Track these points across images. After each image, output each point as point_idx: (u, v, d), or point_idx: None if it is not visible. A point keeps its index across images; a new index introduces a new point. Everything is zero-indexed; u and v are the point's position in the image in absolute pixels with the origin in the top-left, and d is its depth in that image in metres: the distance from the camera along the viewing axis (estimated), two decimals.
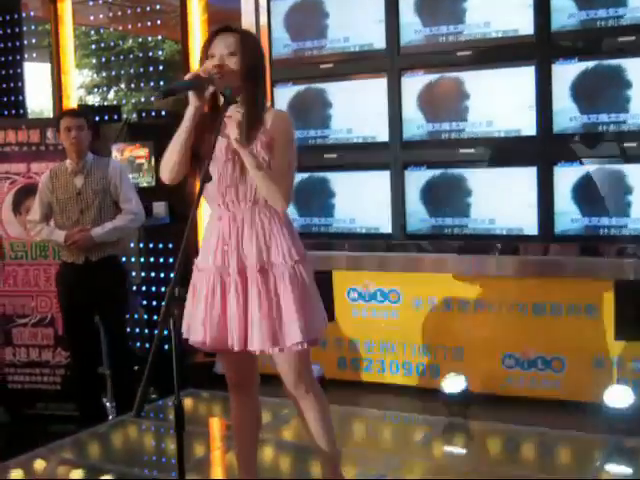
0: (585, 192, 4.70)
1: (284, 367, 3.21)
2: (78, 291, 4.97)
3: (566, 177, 4.74)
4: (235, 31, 3.08)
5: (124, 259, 5.39)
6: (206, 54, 3.03)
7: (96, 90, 15.18)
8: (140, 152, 6.11)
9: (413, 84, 5.13)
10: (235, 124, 2.92)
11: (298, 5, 5.47)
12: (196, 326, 3.12)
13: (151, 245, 6.17)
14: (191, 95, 2.92)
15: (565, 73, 4.69)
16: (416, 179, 5.16)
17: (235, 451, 3.47)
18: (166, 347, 5.02)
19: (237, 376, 3.32)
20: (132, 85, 12.94)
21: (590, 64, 4.64)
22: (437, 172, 5.10)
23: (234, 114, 2.91)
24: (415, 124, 5.14)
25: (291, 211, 5.11)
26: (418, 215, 5.17)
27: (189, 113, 2.95)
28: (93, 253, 4.92)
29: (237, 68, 2.99)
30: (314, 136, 5.41)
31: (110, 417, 5.24)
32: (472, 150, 4.98)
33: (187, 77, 2.91)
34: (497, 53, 4.88)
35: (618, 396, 4.48)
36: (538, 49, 4.77)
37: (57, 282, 5.23)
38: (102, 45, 13.72)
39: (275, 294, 3.06)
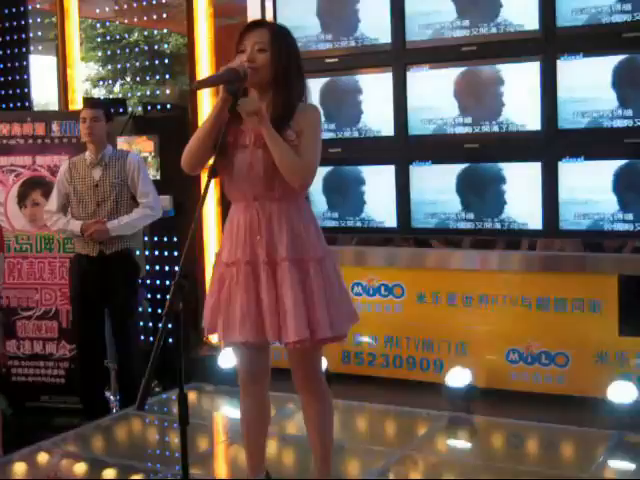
0: (590, 187, 4.69)
1: (300, 360, 3.21)
2: (90, 283, 4.99)
3: (571, 172, 4.73)
4: (266, 26, 3.09)
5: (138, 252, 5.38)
6: (238, 48, 3.04)
7: (102, 83, 15.17)
8: (145, 145, 6.11)
9: (418, 79, 5.13)
10: (252, 110, 2.93)
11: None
12: (234, 324, 3.08)
13: (156, 238, 6.17)
14: (222, 87, 2.94)
15: (570, 69, 4.69)
16: (421, 174, 5.15)
17: (244, 445, 3.44)
18: (170, 340, 5.07)
19: (253, 369, 3.29)
20: (138, 78, 12.93)
21: (595, 60, 4.63)
22: (442, 167, 5.09)
23: (245, 105, 2.93)
24: (420, 119, 5.13)
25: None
26: (423, 210, 5.17)
27: (216, 104, 2.98)
28: (107, 246, 4.94)
29: (267, 64, 3.01)
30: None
31: (114, 410, 5.26)
32: (476, 145, 4.97)
33: (221, 70, 2.92)
34: (502, 48, 4.87)
35: (622, 391, 4.48)
36: (544, 45, 4.76)
37: (70, 273, 5.25)
38: (108, 38, 13.70)
39: (303, 287, 3.06)
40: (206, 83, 2.97)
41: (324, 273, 3.12)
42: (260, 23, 3.16)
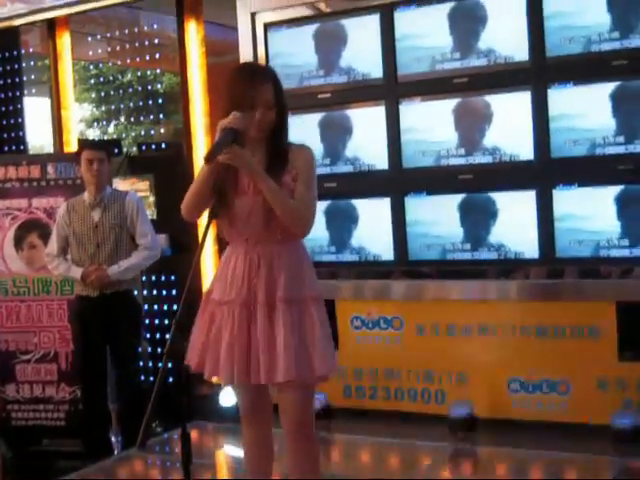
0: (584, 214, 4.71)
1: (292, 403, 3.17)
2: (92, 325, 4.99)
3: (565, 200, 4.75)
4: (270, 80, 3.11)
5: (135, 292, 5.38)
6: (243, 102, 3.01)
7: (96, 124, 15.24)
8: (141, 185, 6.14)
9: (411, 112, 5.17)
10: (241, 160, 2.97)
11: (295, 37, 5.52)
12: (218, 364, 3.09)
13: (154, 277, 6.17)
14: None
15: (561, 98, 4.73)
16: (416, 206, 5.18)
17: None
18: (170, 380, 5.06)
19: (253, 406, 3.29)
20: (132, 118, 12.99)
21: (585, 88, 4.67)
22: (437, 198, 5.11)
23: (233, 154, 2.95)
24: (413, 151, 5.16)
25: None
26: (419, 242, 5.18)
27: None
28: (108, 287, 4.94)
29: (272, 120, 3.08)
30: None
31: (115, 452, 5.23)
32: (471, 176, 4.99)
33: (223, 131, 2.93)
34: (493, 79, 4.91)
35: (624, 418, 4.48)
36: (534, 74, 4.80)
37: (71, 317, 5.25)
38: (101, 79, 13.80)
39: (301, 326, 3.08)
40: (215, 153, 2.96)
41: (322, 312, 3.16)
42: (264, 76, 3.15)
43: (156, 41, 7.74)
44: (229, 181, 3.07)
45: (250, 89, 3.04)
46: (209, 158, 2.93)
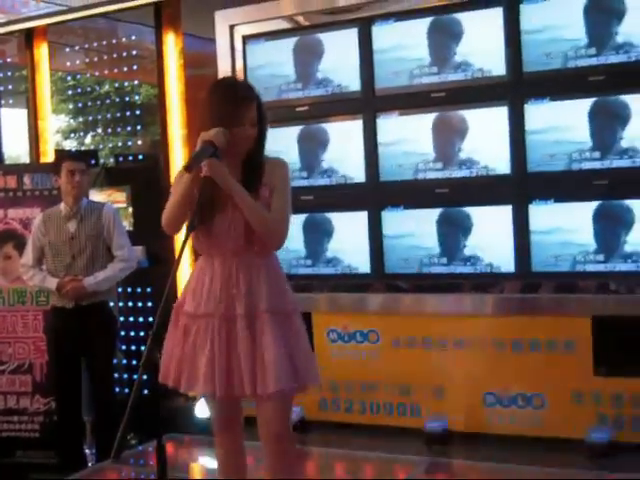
0: (560, 229, 4.74)
1: (273, 414, 3.16)
2: (67, 336, 4.95)
3: (541, 215, 4.79)
4: (255, 98, 3.16)
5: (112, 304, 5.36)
6: (233, 122, 3.06)
7: (73, 135, 15.19)
8: (118, 196, 6.12)
9: (388, 125, 5.19)
10: (218, 173, 3.01)
11: (274, 50, 5.53)
12: (198, 377, 3.10)
13: (129, 289, 6.15)
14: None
15: (537, 113, 4.76)
16: (393, 219, 5.19)
17: None
18: (145, 392, 5.03)
19: (227, 420, 3.31)
20: (109, 130, 12.97)
21: (561, 104, 4.72)
22: (413, 212, 5.13)
23: (211, 167, 3.00)
24: (391, 165, 5.18)
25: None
26: (396, 255, 5.19)
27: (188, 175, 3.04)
28: (84, 298, 4.91)
29: (254, 138, 3.14)
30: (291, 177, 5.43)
31: (90, 464, 5.19)
32: (447, 190, 5.01)
33: (202, 144, 2.98)
34: (471, 94, 4.94)
35: (599, 432, 4.50)
36: (510, 89, 4.84)
37: (46, 328, 5.22)
38: (79, 90, 13.76)
39: (289, 337, 3.12)
40: (194, 164, 2.98)
41: (299, 323, 3.21)
42: (249, 95, 3.18)
43: (134, 52, 7.72)
44: (209, 194, 3.08)
45: (236, 108, 3.09)
46: (189, 167, 2.97)
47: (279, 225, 3.15)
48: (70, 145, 15.18)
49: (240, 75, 5.51)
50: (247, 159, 3.17)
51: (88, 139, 15.09)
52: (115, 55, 7.70)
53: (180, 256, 2.82)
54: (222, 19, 5.64)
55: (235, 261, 3.12)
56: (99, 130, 14.17)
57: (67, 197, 4.96)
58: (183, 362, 3.16)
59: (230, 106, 3.08)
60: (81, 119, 14.79)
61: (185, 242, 2.87)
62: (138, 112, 10.50)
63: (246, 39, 5.61)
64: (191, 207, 3.04)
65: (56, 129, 14.27)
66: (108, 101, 12.84)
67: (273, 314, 3.09)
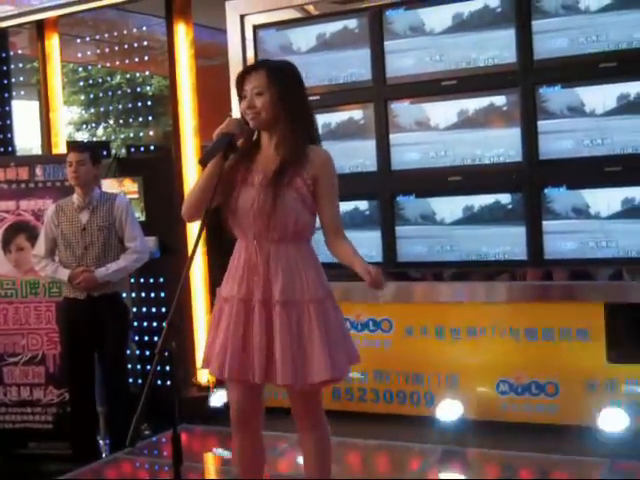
0: (573, 216, 4.73)
1: (298, 400, 3.20)
2: (80, 327, 4.94)
3: (553, 202, 4.77)
4: (264, 67, 3.07)
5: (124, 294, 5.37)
6: (239, 94, 3.07)
7: (85, 126, 15.21)
8: (130, 187, 6.12)
9: (400, 113, 5.18)
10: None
11: (285, 38, 5.52)
12: (214, 354, 3.10)
13: (142, 280, 6.15)
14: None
15: (549, 99, 4.75)
16: (405, 207, 5.18)
17: None
18: (159, 382, 5.04)
19: (245, 407, 3.23)
20: (121, 121, 12.99)
21: (572, 90, 4.70)
22: (426, 200, 5.12)
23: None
24: (402, 153, 5.17)
25: None
26: (408, 243, 5.18)
27: (213, 163, 3.01)
28: (96, 289, 4.91)
29: (266, 107, 3.02)
30: None
31: (103, 455, 5.21)
32: (460, 178, 5.00)
33: (215, 136, 2.96)
34: (482, 81, 4.93)
35: (612, 419, 4.49)
36: (522, 77, 4.82)
37: (59, 319, 5.22)
38: (90, 82, 13.77)
39: (299, 329, 3.04)
40: (209, 157, 2.96)
41: (324, 314, 3.08)
42: (257, 66, 3.15)
43: (145, 44, 7.72)
44: (239, 172, 3.07)
45: (243, 78, 3.06)
46: (203, 161, 2.96)
47: (341, 233, 3.18)
48: (82, 137, 15.20)
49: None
50: (280, 139, 3.06)
51: (100, 130, 15.11)
52: (126, 46, 7.71)
53: (195, 247, 2.78)
54: (233, 9, 5.64)
55: (255, 246, 3.08)
56: (111, 121, 14.19)
57: (75, 188, 4.97)
58: (213, 344, 3.14)
59: (237, 80, 3.07)
60: (93, 110, 14.80)
61: (200, 234, 2.85)
62: (150, 103, 10.48)
63: (257, 29, 5.60)
64: (211, 196, 2.99)
65: (68, 121, 14.29)
66: (120, 92, 12.86)
67: (286, 306, 3.03)
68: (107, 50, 8.01)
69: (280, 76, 3.07)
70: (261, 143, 3.14)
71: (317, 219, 3.17)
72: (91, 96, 14.40)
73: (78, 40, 7.77)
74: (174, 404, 2.66)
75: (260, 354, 3.02)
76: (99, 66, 11.38)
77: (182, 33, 6.00)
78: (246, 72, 3.09)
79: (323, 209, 3.12)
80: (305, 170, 3.05)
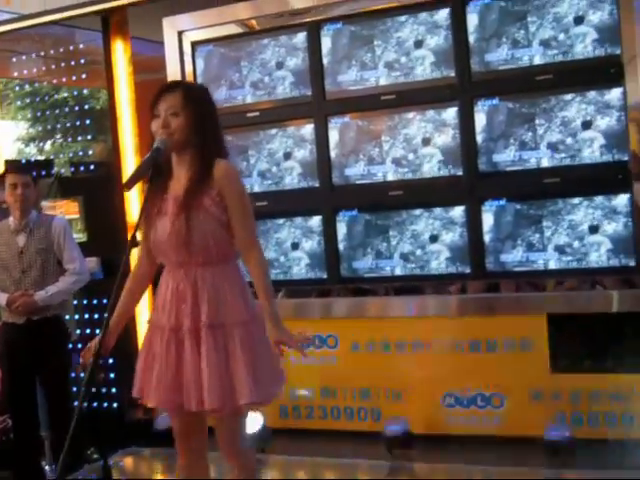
0: (513, 228, 4.74)
1: (221, 425, 3.18)
2: (19, 352, 4.84)
3: (494, 214, 4.79)
4: (179, 88, 3.09)
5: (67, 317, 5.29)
6: (153, 113, 3.06)
7: (33, 142, 15.05)
8: (71, 207, 6.04)
9: (340, 129, 5.17)
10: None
11: (222, 54, 5.49)
12: (150, 387, 3.09)
13: (85, 302, 6.06)
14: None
15: (487, 112, 4.77)
16: (347, 223, 5.17)
17: None
18: (105, 405, 4.97)
19: (187, 431, 3.24)
20: (69, 138, 12.85)
21: (510, 104, 4.72)
22: (368, 216, 5.11)
23: None
24: (343, 168, 5.16)
25: None
26: (351, 259, 5.17)
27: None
28: (35, 313, 4.82)
29: (180, 128, 3.02)
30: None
31: None
32: (401, 192, 5.00)
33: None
34: (421, 95, 4.93)
35: (556, 429, 4.51)
36: (460, 90, 4.83)
37: None
38: (37, 98, 13.62)
39: (226, 353, 3.03)
40: (134, 181, 2.96)
41: (249, 337, 3.08)
42: (173, 86, 3.15)
43: (88, 59, 7.64)
44: (154, 203, 3.06)
45: (158, 97, 3.06)
46: (128, 185, 2.96)
47: (254, 249, 3.13)
48: (30, 153, 15.03)
49: (189, 80, 5.46)
50: (190, 159, 3.08)
51: (48, 146, 14.95)
52: (72, 62, 7.63)
53: (121, 274, 2.79)
54: (170, 25, 5.59)
55: (181, 273, 3.08)
56: (58, 137, 14.04)
57: (14, 211, 4.87)
58: (143, 373, 3.14)
59: (153, 101, 3.07)
60: (40, 127, 14.63)
61: (127, 259, 2.85)
62: (96, 118, 10.38)
63: (195, 45, 5.56)
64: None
65: (16, 136, 14.14)
66: (66, 108, 12.72)
67: (213, 328, 3.03)
68: (53, 66, 7.91)
69: (196, 99, 3.09)
70: (172, 168, 3.13)
71: None
72: (38, 113, 14.25)
73: (24, 57, 7.67)
74: (114, 433, 2.62)
75: (195, 385, 3.01)
76: (45, 83, 11.27)
77: (120, 49, 5.93)
78: (162, 92, 3.07)
79: (232, 223, 3.08)
80: (211, 187, 3.04)
